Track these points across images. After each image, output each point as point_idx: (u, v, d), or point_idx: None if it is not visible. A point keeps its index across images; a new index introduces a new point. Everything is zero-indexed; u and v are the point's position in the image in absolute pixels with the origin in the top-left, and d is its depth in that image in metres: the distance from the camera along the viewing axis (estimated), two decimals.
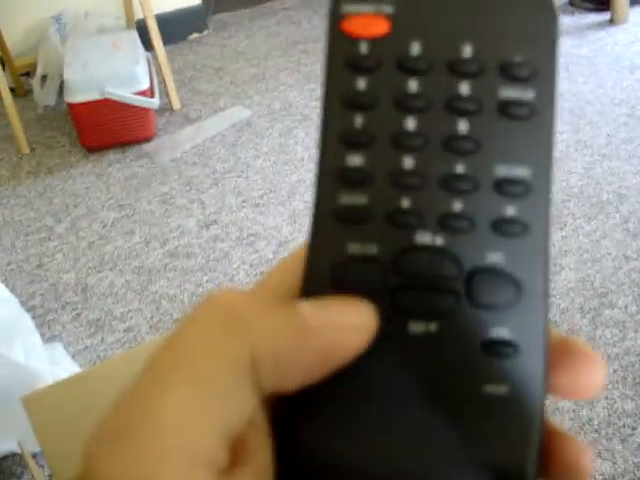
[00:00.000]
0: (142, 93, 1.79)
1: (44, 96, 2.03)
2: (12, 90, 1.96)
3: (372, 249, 0.19)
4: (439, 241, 0.19)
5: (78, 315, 1.39)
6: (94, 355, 1.31)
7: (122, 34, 1.98)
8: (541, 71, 0.20)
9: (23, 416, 0.76)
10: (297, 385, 0.18)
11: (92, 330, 1.36)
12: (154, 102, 1.81)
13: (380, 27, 0.20)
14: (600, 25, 2.55)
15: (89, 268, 1.50)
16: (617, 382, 1.27)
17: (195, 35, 2.44)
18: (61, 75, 1.82)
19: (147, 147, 1.86)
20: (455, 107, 0.20)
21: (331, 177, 0.20)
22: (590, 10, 2.61)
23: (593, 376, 0.19)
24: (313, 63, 2.25)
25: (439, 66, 0.20)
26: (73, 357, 1.29)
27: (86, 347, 1.32)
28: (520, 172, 0.19)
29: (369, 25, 0.20)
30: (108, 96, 1.73)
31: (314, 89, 2.09)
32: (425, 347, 0.19)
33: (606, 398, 1.24)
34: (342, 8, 0.20)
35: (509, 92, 0.20)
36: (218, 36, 2.45)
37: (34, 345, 1.12)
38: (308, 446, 0.19)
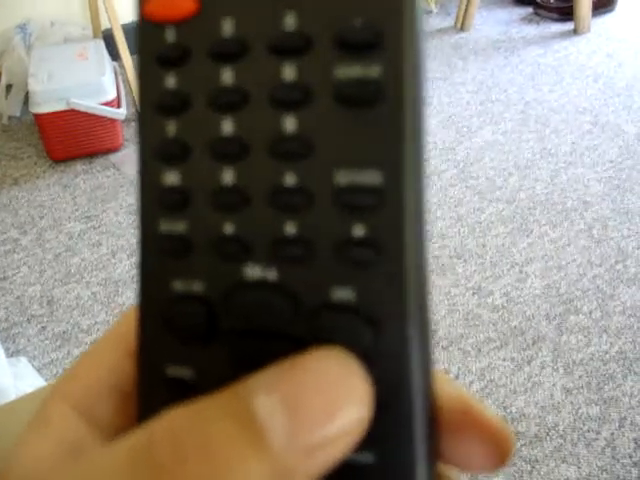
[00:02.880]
0: (109, 103, 1.77)
1: (9, 106, 2.01)
2: None
3: (198, 287, 0.16)
4: (272, 275, 0.16)
5: (44, 328, 1.38)
6: (60, 369, 1.29)
7: (88, 44, 1.97)
8: (389, 37, 0.14)
9: None
10: None
11: (58, 343, 1.34)
12: (121, 112, 1.79)
13: (186, 7, 0.16)
14: (564, 35, 2.59)
15: (55, 280, 1.49)
16: (582, 387, 1.29)
17: None
18: (26, 85, 1.80)
19: (114, 158, 1.85)
20: (280, 98, 0.15)
21: (148, 198, 0.17)
22: (554, 20, 2.66)
23: (496, 452, 0.16)
24: None
25: (258, 47, 0.15)
26: (39, 371, 1.27)
27: (52, 360, 1.31)
28: (369, 176, 0.15)
29: (173, 6, 0.16)
30: (74, 107, 1.72)
31: None
32: None
33: (571, 403, 1.26)
34: None
35: (347, 70, 0.15)
36: None
37: None
38: None
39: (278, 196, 0.15)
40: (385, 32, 0.14)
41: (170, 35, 0.16)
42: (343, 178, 0.15)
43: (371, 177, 0.15)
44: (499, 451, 0.16)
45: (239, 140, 0.16)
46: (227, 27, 0.15)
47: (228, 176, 0.16)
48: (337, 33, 0.14)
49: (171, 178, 0.16)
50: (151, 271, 0.17)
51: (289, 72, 0.15)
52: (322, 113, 0.15)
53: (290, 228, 0.15)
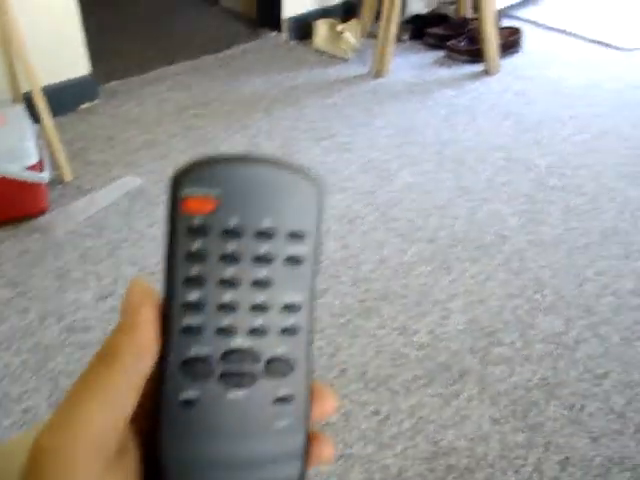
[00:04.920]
0: (32, 168, 1.78)
1: None
2: None
3: (206, 352, 0.30)
4: (247, 343, 0.30)
5: None
6: None
7: (8, 109, 1.97)
8: (309, 234, 0.30)
9: None
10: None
11: None
12: (44, 176, 1.80)
13: (208, 206, 0.29)
14: (475, 76, 2.71)
15: None
16: (508, 416, 1.34)
17: (86, 105, 2.45)
18: None
19: (40, 221, 1.84)
20: (259, 261, 0.30)
21: (176, 305, 0.30)
22: (465, 62, 2.78)
23: (326, 405, 0.32)
24: (204, 127, 2.30)
25: (248, 233, 0.29)
26: None
27: None
28: (296, 298, 0.31)
29: (200, 205, 0.29)
30: None
31: (204, 153, 2.12)
32: (239, 405, 0.30)
33: (499, 433, 1.30)
34: (181, 190, 0.29)
35: (291, 249, 0.30)
36: (109, 105, 2.46)
37: None
38: (168, 452, 0.30)
39: (254, 306, 0.30)
40: (307, 233, 0.30)
41: (198, 220, 0.29)
42: (284, 299, 0.30)
43: (298, 297, 0.31)
44: (327, 405, 0.32)
45: (234, 279, 0.29)
46: (231, 221, 0.29)
47: (227, 297, 0.29)
48: (288, 232, 0.30)
49: (193, 296, 0.29)
50: (177, 344, 0.30)
51: (264, 248, 0.29)
52: (278, 268, 0.30)
53: (258, 322, 0.30)
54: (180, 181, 0.29)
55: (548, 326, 1.55)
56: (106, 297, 1.59)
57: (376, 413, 1.34)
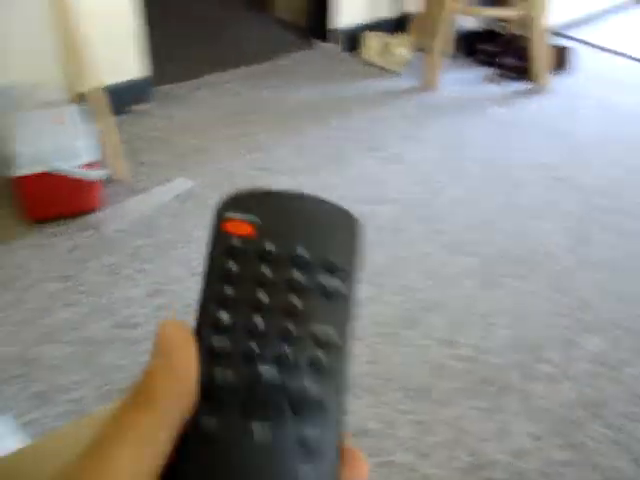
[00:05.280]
0: (87, 166, 1.83)
1: None
2: None
3: (230, 377, 0.28)
4: (274, 374, 0.28)
5: (23, 388, 1.40)
6: (40, 428, 1.31)
7: (67, 108, 2.03)
8: (346, 268, 0.30)
9: None
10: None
11: (38, 402, 1.36)
12: (99, 174, 1.85)
13: (247, 230, 0.30)
14: (525, 93, 2.71)
15: (33, 340, 1.51)
16: (549, 433, 1.33)
17: (140, 106, 2.50)
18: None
19: (93, 218, 1.89)
20: (291, 287, 0.30)
21: (207, 325, 0.29)
22: (515, 79, 2.78)
23: (359, 470, 0.29)
24: (254, 134, 2.33)
25: (283, 260, 0.30)
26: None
27: (32, 420, 1.33)
28: (328, 331, 0.29)
29: (240, 228, 0.30)
30: (53, 169, 1.77)
31: (254, 159, 2.16)
32: (262, 440, 0.27)
33: (539, 449, 1.30)
34: (224, 214, 0.30)
35: (326, 281, 0.30)
36: (162, 108, 2.51)
37: None
38: None
39: (283, 332, 0.29)
40: (343, 268, 0.30)
41: (236, 242, 0.30)
42: (314, 330, 0.29)
43: (329, 332, 0.29)
44: (359, 469, 0.29)
45: (267, 304, 0.29)
46: (268, 246, 0.30)
47: (258, 321, 0.29)
48: (323, 264, 0.30)
49: (223, 316, 0.29)
50: (203, 363, 0.28)
51: (298, 275, 0.30)
52: (310, 298, 0.29)
53: (286, 350, 0.28)
54: (224, 205, 0.31)
55: (593, 346, 1.54)
56: (154, 295, 1.62)
57: (417, 422, 1.34)
